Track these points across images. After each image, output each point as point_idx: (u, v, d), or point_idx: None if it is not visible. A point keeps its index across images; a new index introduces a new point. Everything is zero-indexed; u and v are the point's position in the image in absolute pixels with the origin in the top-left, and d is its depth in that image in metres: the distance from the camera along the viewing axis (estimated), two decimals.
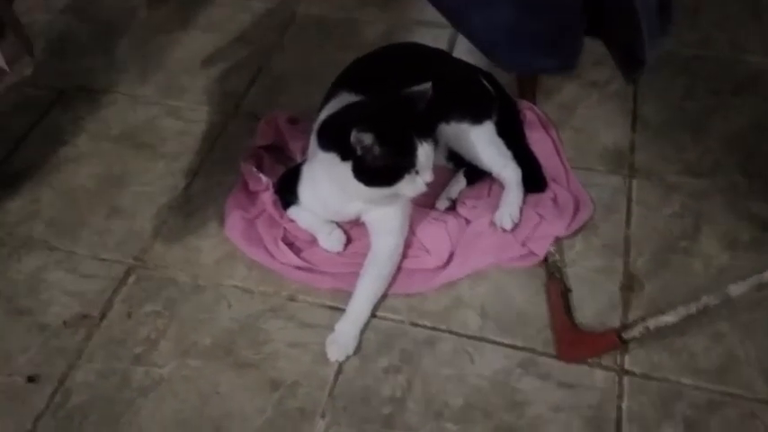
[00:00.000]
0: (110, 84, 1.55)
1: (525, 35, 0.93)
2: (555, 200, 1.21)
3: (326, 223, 1.19)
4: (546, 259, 1.14)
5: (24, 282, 1.18)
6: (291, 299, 1.14)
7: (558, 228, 1.17)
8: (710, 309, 0.99)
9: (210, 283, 1.16)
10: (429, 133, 1.06)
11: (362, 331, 1.08)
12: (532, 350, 1.05)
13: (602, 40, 1.00)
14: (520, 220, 1.17)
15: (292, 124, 1.37)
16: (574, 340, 1.05)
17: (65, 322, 1.12)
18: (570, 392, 1.00)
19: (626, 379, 1.01)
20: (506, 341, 1.06)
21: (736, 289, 0.98)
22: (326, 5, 1.73)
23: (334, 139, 1.05)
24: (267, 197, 1.22)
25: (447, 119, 1.20)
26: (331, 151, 1.05)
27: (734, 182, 1.25)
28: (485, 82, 1.29)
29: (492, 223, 1.17)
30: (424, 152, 1.03)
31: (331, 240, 1.18)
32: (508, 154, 1.22)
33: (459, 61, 1.34)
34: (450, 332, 1.08)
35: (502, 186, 1.22)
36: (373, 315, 1.10)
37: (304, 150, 1.26)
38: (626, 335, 1.02)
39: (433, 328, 1.09)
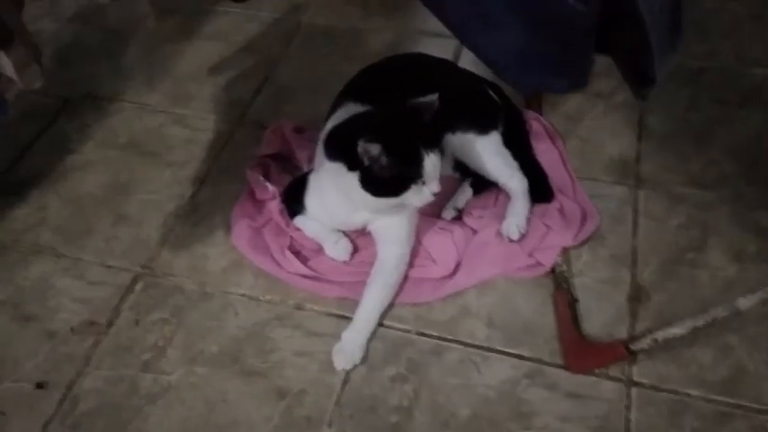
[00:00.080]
0: (116, 92, 1.56)
1: (535, 56, 0.93)
2: (561, 210, 1.21)
3: (333, 232, 1.19)
4: (553, 270, 1.15)
5: (32, 288, 1.18)
6: (298, 307, 1.14)
7: (565, 238, 1.17)
8: (719, 321, 0.99)
9: (217, 291, 1.16)
10: (435, 144, 1.06)
11: (369, 340, 1.08)
12: (539, 360, 1.05)
13: (611, 57, 1.00)
14: (527, 230, 1.17)
15: (298, 133, 1.37)
16: (581, 351, 1.05)
17: (72, 329, 1.12)
18: (578, 403, 1.00)
19: (634, 390, 1.01)
20: (513, 351, 1.06)
21: (744, 302, 0.98)
22: (332, 15, 1.74)
23: (342, 149, 1.05)
24: (274, 206, 1.23)
25: (453, 129, 1.21)
26: (338, 161, 1.06)
27: (740, 193, 1.26)
28: (491, 92, 1.30)
29: (499, 233, 1.17)
30: (431, 163, 1.03)
31: (337, 249, 1.18)
32: (514, 164, 1.23)
33: (465, 71, 1.35)
34: (457, 342, 1.08)
35: (508, 197, 1.22)
36: (380, 324, 1.10)
37: (310, 159, 1.27)
38: (634, 346, 1.02)
39: (440, 338, 1.09)
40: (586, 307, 1.11)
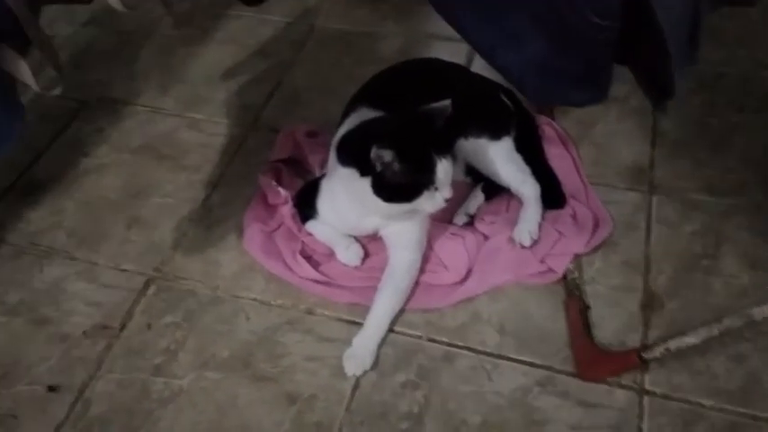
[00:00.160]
0: (131, 96, 1.57)
1: (556, 70, 0.92)
2: (574, 216, 1.21)
3: (344, 237, 1.19)
4: (565, 276, 1.14)
5: (46, 291, 1.19)
6: (309, 312, 1.14)
7: (578, 245, 1.16)
8: (733, 331, 0.98)
9: (229, 296, 1.17)
10: (448, 150, 1.06)
11: (380, 346, 1.08)
12: (551, 368, 1.04)
13: (630, 69, 0.99)
14: (539, 236, 1.16)
15: (311, 138, 1.38)
16: (593, 359, 1.04)
17: (85, 332, 1.13)
18: (589, 411, 0.99)
19: (646, 399, 1.00)
20: (525, 358, 1.06)
21: (759, 312, 0.97)
22: (345, 20, 1.74)
23: (354, 154, 1.05)
24: (286, 210, 1.23)
25: (465, 134, 1.21)
26: (350, 167, 1.06)
27: (755, 200, 1.24)
28: (503, 97, 1.30)
29: (510, 239, 1.17)
30: (443, 169, 1.03)
31: (349, 254, 1.18)
32: (527, 170, 1.22)
33: (477, 76, 1.34)
34: (468, 348, 1.08)
35: (520, 202, 1.21)
36: (391, 330, 1.10)
37: (322, 164, 1.27)
38: (647, 355, 1.02)
39: (451, 344, 1.08)
40: (598, 314, 1.10)
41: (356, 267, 1.17)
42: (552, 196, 1.22)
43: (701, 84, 1.46)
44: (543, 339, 1.08)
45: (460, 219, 1.23)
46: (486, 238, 1.19)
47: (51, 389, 1.06)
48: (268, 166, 1.33)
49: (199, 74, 1.62)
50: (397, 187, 1.03)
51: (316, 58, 1.64)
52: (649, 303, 1.11)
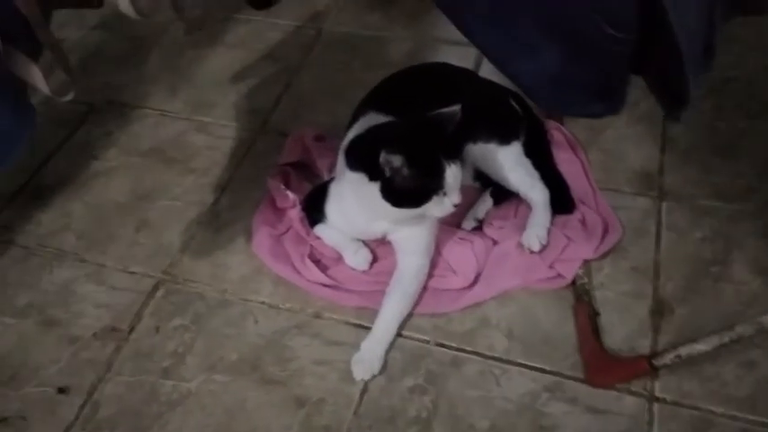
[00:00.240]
0: (140, 99, 1.57)
1: (569, 81, 0.92)
2: (583, 222, 1.20)
3: (353, 241, 1.19)
4: (574, 282, 1.14)
5: (55, 293, 1.20)
6: (317, 316, 1.14)
7: (587, 250, 1.16)
8: (744, 338, 0.98)
9: (237, 299, 1.17)
10: (457, 155, 1.06)
11: (388, 351, 1.08)
12: (559, 374, 1.04)
13: (644, 78, 0.98)
14: (548, 241, 1.16)
15: (319, 141, 1.38)
16: (603, 365, 1.04)
17: (94, 334, 1.13)
18: (598, 418, 0.99)
19: (656, 406, 1.00)
20: (533, 364, 1.06)
21: None
22: (353, 24, 1.75)
23: (363, 159, 1.05)
24: (294, 214, 1.23)
25: (474, 139, 1.20)
26: (359, 171, 1.06)
27: (765, 206, 1.24)
28: (512, 102, 1.30)
29: (519, 244, 1.17)
30: (452, 174, 1.03)
31: (357, 258, 1.18)
32: (536, 175, 1.22)
33: (486, 81, 1.34)
34: (477, 353, 1.08)
35: (529, 207, 1.21)
36: (399, 334, 1.10)
37: (331, 168, 1.27)
38: (657, 362, 1.01)
39: (459, 349, 1.08)
40: (608, 320, 1.10)
41: (364, 271, 1.17)
42: (561, 201, 1.22)
43: (710, 89, 1.46)
44: (552, 345, 1.08)
45: (469, 224, 1.22)
46: (494, 243, 1.19)
47: (60, 391, 1.06)
48: (276, 170, 1.33)
49: (207, 77, 1.62)
50: (405, 192, 1.03)
51: (324, 62, 1.64)
52: (659, 309, 1.11)
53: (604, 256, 1.18)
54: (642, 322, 1.09)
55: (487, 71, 1.49)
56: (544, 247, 1.16)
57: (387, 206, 1.04)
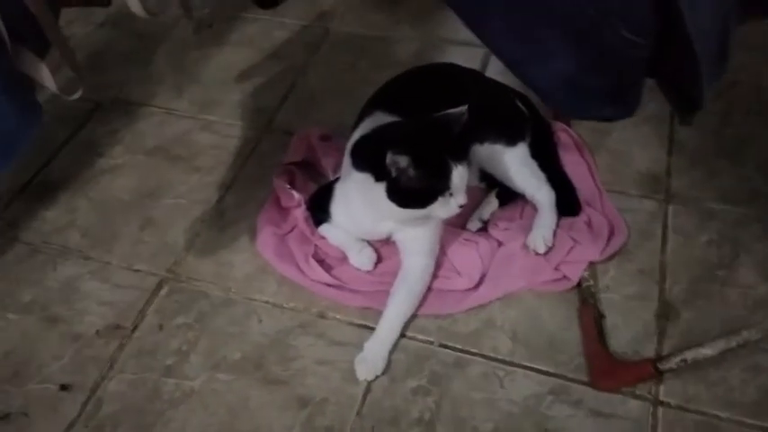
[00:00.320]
0: (146, 97, 1.57)
1: (586, 85, 0.90)
2: (589, 224, 1.20)
3: (357, 241, 1.19)
4: (579, 284, 1.13)
5: (59, 290, 1.19)
6: (321, 316, 1.14)
7: (593, 252, 1.15)
8: (750, 343, 0.97)
9: (241, 298, 1.17)
10: (463, 156, 1.06)
11: (392, 351, 1.07)
12: (564, 377, 1.04)
13: (657, 82, 0.98)
14: (553, 243, 1.16)
15: (325, 141, 1.38)
16: (607, 368, 1.03)
17: (98, 332, 1.13)
18: (602, 421, 0.98)
19: (660, 410, 0.99)
20: (538, 366, 1.05)
21: None
22: (360, 23, 1.74)
23: (369, 159, 1.05)
24: (299, 213, 1.23)
25: (481, 140, 1.20)
26: (365, 171, 1.05)
27: None
28: (519, 103, 1.29)
29: (524, 246, 1.16)
30: (459, 175, 1.03)
31: (361, 258, 1.18)
32: (542, 176, 1.22)
33: (493, 82, 1.34)
34: (481, 355, 1.07)
35: (535, 209, 1.21)
36: (402, 335, 1.10)
37: (336, 167, 1.27)
38: (662, 366, 1.00)
39: (463, 351, 1.08)
40: (613, 323, 1.09)
41: (368, 272, 1.17)
42: (567, 203, 1.21)
43: (718, 92, 1.45)
44: (556, 347, 1.07)
45: (474, 224, 1.22)
46: (499, 244, 1.19)
47: (63, 388, 1.06)
48: (281, 169, 1.33)
49: (213, 76, 1.62)
50: (411, 193, 1.02)
51: (330, 62, 1.64)
52: (664, 313, 1.10)
53: (610, 258, 1.17)
54: (647, 325, 1.09)
55: (494, 72, 1.50)
56: (550, 249, 1.15)
57: (392, 206, 1.04)
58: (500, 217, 1.23)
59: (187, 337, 1.12)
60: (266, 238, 1.22)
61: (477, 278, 1.14)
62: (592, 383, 1.02)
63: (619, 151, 1.36)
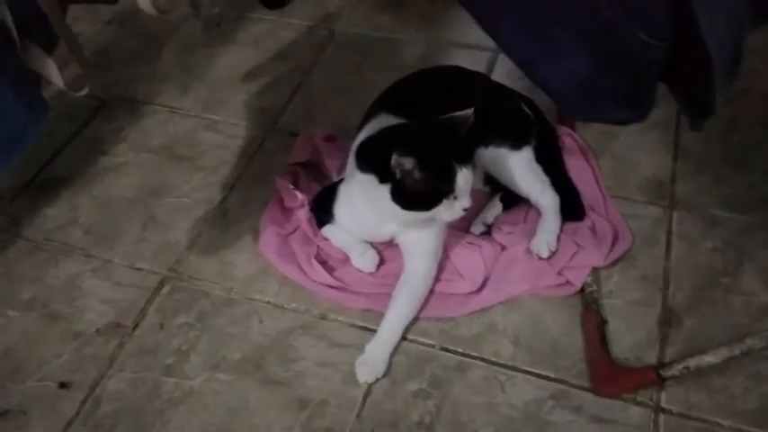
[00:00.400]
0: (151, 95, 1.57)
1: (599, 87, 0.90)
2: (593, 229, 1.19)
3: (360, 243, 1.19)
4: (582, 289, 1.13)
5: (60, 288, 1.19)
6: (322, 317, 1.13)
7: (596, 258, 1.15)
8: (754, 351, 0.97)
9: (242, 298, 1.17)
10: (468, 158, 1.05)
11: (393, 354, 1.07)
12: (566, 382, 1.03)
13: (669, 87, 0.97)
14: (557, 248, 1.15)
15: (329, 142, 1.37)
16: (610, 374, 1.02)
17: (98, 330, 1.13)
18: (603, 428, 0.98)
19: (662, 417, 0.98)
20: (539, 371, 1.04)
21: None
22: (366, 25, 1.74)
23: (374, 161, 1.05)
24: (302, 214, 1.23)
25: (486, 143, 1.20)
26: (369, 173, 1.05)
27: None
28: (524, 107, 1.29)
29: (528, 250, 1.16)
30: (463, 178, 1.02)
31: (364, 260, 1.17)
32: (546, 180, 1.21)
33: (499, 85, 1.34)
34: (482, 359, 1.07)
35: (539, 213, 1.20)
36: (404, 338, 1.09)
37: (340, 169, 1.27)
38: (665, 373, 1.00)
39: (465, 355, 1.07)
40: (615, 329, 1.09)
41: (371, 274, 1.17)
42: (571, 208, 1.21)
43: (726, 98, 1.44)
44: (558, 352, 1.07)
45: (478, 228, 1.22)
46: (503, 248, 1.18)
47: (62, 386, 1.06)
48: (285, 170, 1.33)
49: (219, 75, 1.62)
50: (416, 195, 1.02)
51: (336, 63, 1.64)
52: (667, 320, 1.09)
53: (614, 264, 1.16)
54: (650, 332, 1.08)
55: (500, 75, 1.49)
56: (553, 254, 1.15)
57: (396, 208, 1.03)
58: (504, 221, 1.23)
59: (188, 337, 1.11)
60: (269, 239, 1.21)
61: (479, 282, 1.14)
62: (593, 389, 1.01)
63: (624, 156, 1.35)
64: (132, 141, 1.47)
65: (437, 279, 1.14)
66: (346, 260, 1.19)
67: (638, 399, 1.00)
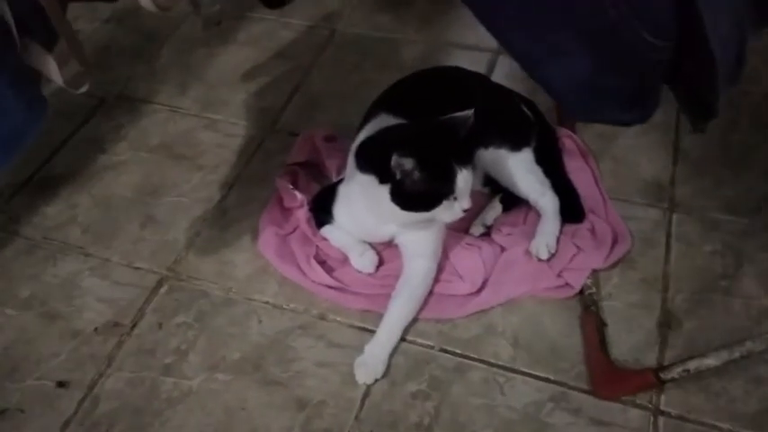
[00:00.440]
0: (150, 94, 1.57)
1: (603, 89, 0.89)
2: (593, 231, 1.19)
3: (359, 243, 1.18)
4: (582, 292, 1.12)
5: (59, 286, 1.19)
6: (321, 318, 1.13)
7: (596, 260, 1.15)
8: (754, 354, 0.97)
9: (241, 298, 1.16)
10: (468, 159, 1.05)
11: (392, 355, 1.07)
12: (565, 384, 1.03)
13: (671, 88, 0.97)
14: (556, 250, 1.15)
15: (329, 142, 1.37)
16: (609, 377, 1.02)
17: (96, 329, 1.12)
18: (602, 430, 0.98)
19: (661, 420, 0.98)
20: (538, 373, 1.04)
21: None
22: (366, 25, 1.74)
23: (374, 161, 1.04)
24: (301, 214, 1.23)
25: (485, 144, 1.20)
26: (369, 173, 1.05)
27: None
28: (524, 108, 1.29)
29: (527, 252, 1.16)
30: (463, 179, 1.02)
31: (363, 261, 1.17)
32: (546, 182, 1.21)
33: (499, 86, 1.34)
34: (481, 361, 1.06)
35: (538, 215, 1.20)
36: (403, 339, 1.09)
37: (339, 169, 1.26)
38: (664, 375, 1.00)
39: (464, 356, 1.07)
40: (615, 331, 1.09)
41: (370, 274, 1.16)
42: (571, 210, 1.21)
43: (726, 101, 1.44)
44: (558, 354, 1.06)
45: (477, 229, 1.21)
46: (502, 249, 1.18)
47: (60, 384, 1.05)
48: (285, 169, 1.32)
49: (218, 75, 1.62)
50: (416, 196, 1.02)
51: (336, 63, 1.64)
52: (667, 322, 1.09)
53: (613, 266, 1.16)
54: (649, 334, 1.08)
55: (500, 76, 1.49)
56: (553, 256, 1.15)
57: (396, 209, 1.03)
58: (503, 222, 1.22)
59: (186, 337, 1.11)
60: (268, 239, 1.21)
61: (479, 283, 1.14)
62: (593, 391, 1.01)
63: (623, 158, 1.35)
64: (131, 140, 1.46)
65: (436, 280, 1.14)
66: (345, 260, 1.19)
67: (638, 401, 1.00)
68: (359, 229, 1.16)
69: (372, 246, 1.19)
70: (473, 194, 1.07)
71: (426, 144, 1.01)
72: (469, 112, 1.03)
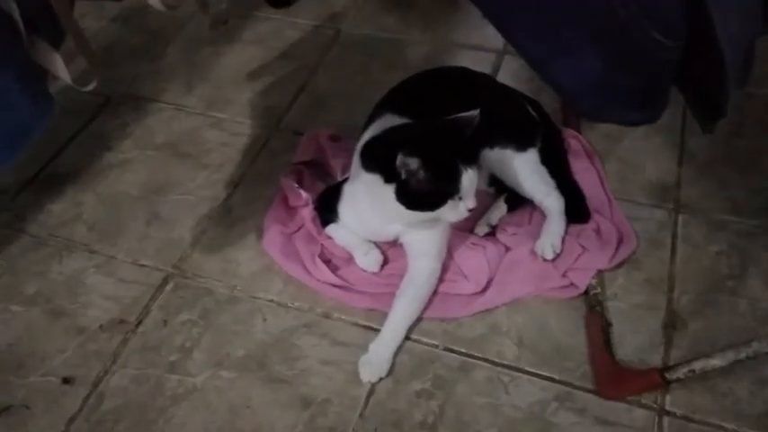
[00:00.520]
0: (156, 92, 1.57)
1: (613, 88, 0.89)
2: (598, 231, 1.19)
3: (364, 242, 1.18)
4: (587, 292, 1.12)
5: (64, 283, 1.19)
6: (326, 316, 1.13)
7: (601, 260, 1.15)
8: (760, 355, 0.96)
9: (246, 296, 1.16)
10: (473, 159, 1.05)
11: (396, 353, 1.07)
12: (569, 384, 1.03)
13: (680, 89, 0.96)
14: (561, 250, 1.15)
15: (334, 141, 1.37)
16: (614, 377, 1.02)
17: (101, 326, 1.13)
18: (607, 430, 0.97)
19: (666, 420, 0.98)
20: (543, 373, 1.04)
21: None
22: (371, 25, 1.74)
23: (379, 160, 1.05)
24: (306, 213, 1.23)
25: (491, 144, 1.20)
26: (374, 173, 1.05)
27: None
28: (530, 109, 1.29)
29: (532, 252, 1.16)
30: (469, 179, 1.02)
31: (368, 260, 1.17)
32: (551, 182, 1.21)
33: (504, 87, 1.34)
34: (486, 360, 1.06)
35: (543, 215, 1.20)
36: (407, 338, 1.09)
37: (344, 168, 1.27)
38: (670, 375, 1.00)
39: (468, 355, 1.07)
40: (620, 331, 1.08)
41: (375, 273, 1.17)
42: (576, 210, 1.21)
43: (731, 103, 1.44)
44: (562, 354, 1.06)
45: (482, 229, 1.21)
46: (507, 249, 1.18)
47: (66, 381, 1.06)
48: (290, 168, 1.33)
49: (224, 74, 1.62)
50: (421, 195, 1.02)
51: (341, 63, 1.64)
52: (672, 323, 1.09)
53: (618, 266, 1.16)
54: (654, 335, 1.08)
55: (506, 77, 1.49)
56: (558, 256, 1.15)
57: (401, 208, 1.03)
58: (508, 222, 1.22)
59: (191, 334, 1.11)
60: (273, 237, 1.21)
61: (483, 283, 1.14)
62: (598, 391, 1.01)
63: (629, 159, 1.35)
64: (137, 138, 1.47)
65: (441, 279, 1.14)
66: (350, 259, 1.19)
67: (643, 401, 1.00)
68: (364, 229, 1.16)
69: (377, 245, 1.19)
70: (478, 194, 1.07)
71: (432, 144, 1.02)
72: (475, 113, 1.03)
